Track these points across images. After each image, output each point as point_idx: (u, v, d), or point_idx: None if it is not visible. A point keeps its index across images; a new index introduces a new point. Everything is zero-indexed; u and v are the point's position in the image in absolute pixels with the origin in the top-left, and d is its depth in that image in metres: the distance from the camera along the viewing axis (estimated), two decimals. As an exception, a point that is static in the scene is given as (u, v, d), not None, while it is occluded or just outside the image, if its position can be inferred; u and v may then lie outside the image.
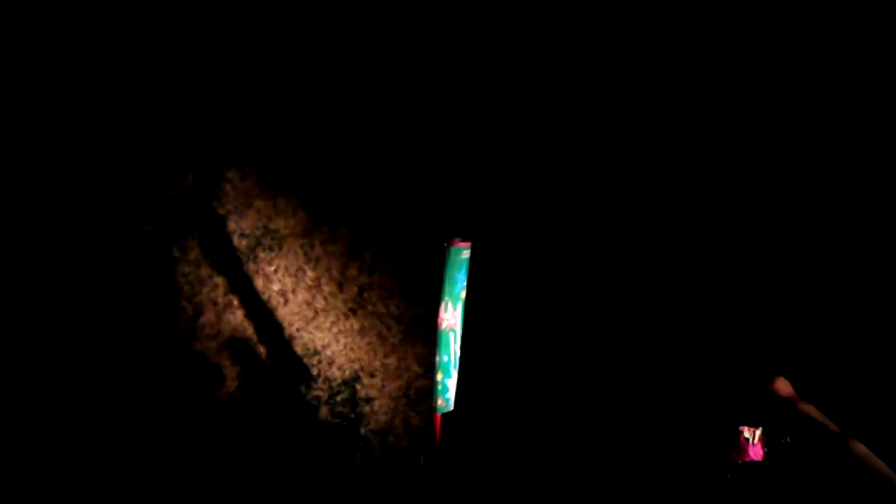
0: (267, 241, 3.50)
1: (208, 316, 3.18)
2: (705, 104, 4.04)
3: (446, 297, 2.43)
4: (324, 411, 2.93)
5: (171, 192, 3.63)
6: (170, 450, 2.79)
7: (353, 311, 3.25)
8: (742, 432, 1.68)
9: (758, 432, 1.68)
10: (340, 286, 3.34)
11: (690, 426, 2.79)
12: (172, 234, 3.47)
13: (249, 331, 3.15)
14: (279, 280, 3.34)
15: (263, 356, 3.08)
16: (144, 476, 2.72)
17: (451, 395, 2.47)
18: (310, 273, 3.38)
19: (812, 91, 4.10)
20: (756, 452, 1.66)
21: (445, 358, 2.44)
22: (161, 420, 2.86)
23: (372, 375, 3.04)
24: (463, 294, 2.46)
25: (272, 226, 3.57)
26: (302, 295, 3.29)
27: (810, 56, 4.22)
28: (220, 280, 3.31)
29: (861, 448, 1.33)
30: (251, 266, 3.39)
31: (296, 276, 3.37)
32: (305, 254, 3.46)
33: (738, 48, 4.16)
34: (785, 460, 1.48)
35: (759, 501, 1.45)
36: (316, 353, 3.10)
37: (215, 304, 3.24)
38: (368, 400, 2.97)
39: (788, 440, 1.58)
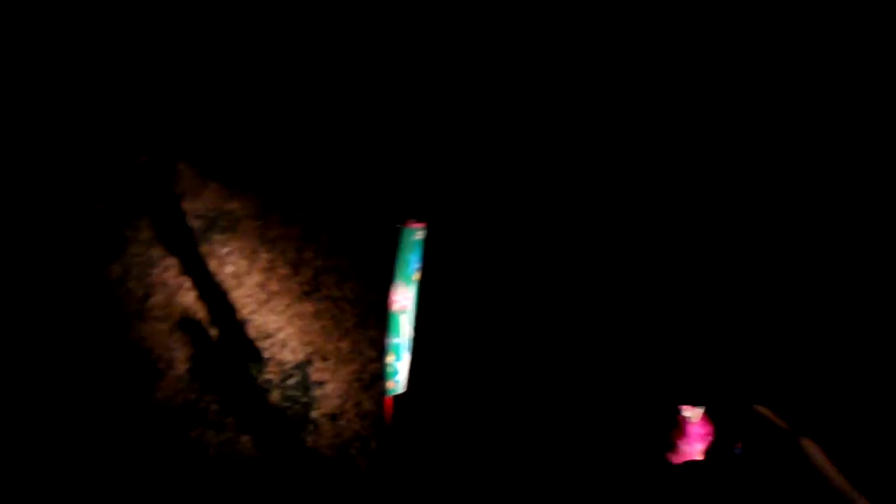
0: (222, 223, 3.43)
1: (159, 297, 3.12)
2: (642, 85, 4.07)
3: (398, 279, 2.41)
4: (275, 395, 2.89)
5: (123, 171, 3.54)
6: (117, 432, 2.72)
7: (308, 294, 3.21)
8: (681, 411, 1.69)
9: (699, 411, 1.69)
10: (295, 269, 3.29)
11: (633, 405, 2.82)
12: (124, 214, 3.39)
13: (201, 313, 3.09)
14: (233, 262, 3.28)
15: (215, 339, 3.03)
16: (89, 456, 2.65)
17: (403, 377, 2.45)
18: (264, 255, 3.32)
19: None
20: (696, 432, 1.67)
21: (396, 340, 2.42)
22: (109, 401, 2.79)
23: (325, 359, 3.01)
24: (416, 276, 2.44)
25: (227, 207, 3.50)
26: (256, 277, 3.24)
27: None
28: (172, 261, 3.24)
29: (811, 446, 1.34)
30: (205, 248, 3.32)
31: (250, 258, 3.31)
32: (260, 236, 3.40)
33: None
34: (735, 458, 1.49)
35: (716, 495, 1.46)
36: (268, 336, 3.05)
37: (167, 285, 3.17)
38: (321, 383, 2.94)
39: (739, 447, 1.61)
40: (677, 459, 1.65)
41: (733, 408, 1.49)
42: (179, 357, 2.95)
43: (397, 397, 2.52)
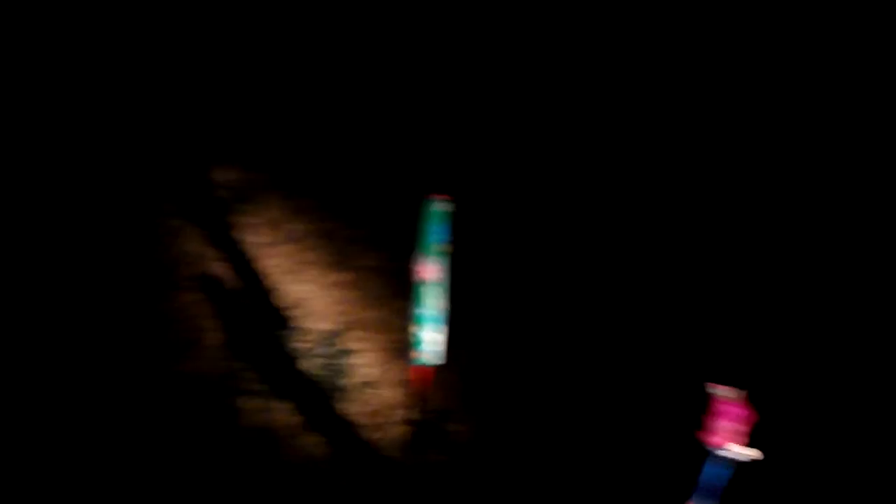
0: (250, 194, 3.45)
1: (193, 268, 3.16)
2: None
3: (424, 250, 2.42)
4: (307, 363, 2.93)
5: (150, 142, 3.57)
6: (152, 401, 2.79)
7: (338, 264, 3.24)
8: (713, 390, 1.67)
9: (733, 391, 1.66)
10: (325, 239, 3.32)
11: (664, 384, 2.80)
12: (152, 185, 3.42)
13: (231, 283, 3.13)
14: (262, 233, 3.31)
15: (245, 308, 3.07)
16: (127, 426, 2.73)
17: (433, 348, 2.48)
18: (293, 226, 3.35)
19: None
20: (729, 411, 1.64)
21: (425, 311, 2.44)
22: (144, 371, 2.86)
23: (356, 328, 3.05)
24: (445, 247, 2.44)
25: (255, 178, 3.52)
26: (286, 247, 3.27)
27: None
28: (204, 232, 3.27)
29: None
30: (235, 218, 3.36)
31: (279, 228, 3.34)
32: (289, 206, 3.42)
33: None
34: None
35: None
36: (301, 305, 3.09)
37: (201, 255, 3.21)
38: (353, 352, 2.98)
39: None
40: (711, 439, 1.64)
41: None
42: (212, 327, 3.00)
43: (427, 367, 2.55)
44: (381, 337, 3.05)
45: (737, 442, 1.91)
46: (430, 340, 2.43)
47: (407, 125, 3.74)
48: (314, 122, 3.71)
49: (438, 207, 2.36)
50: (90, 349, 2.88)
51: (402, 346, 3.01)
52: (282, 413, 2.79)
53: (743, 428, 1.73)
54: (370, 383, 2.91)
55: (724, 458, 2.19)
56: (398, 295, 3.15)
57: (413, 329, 2.38)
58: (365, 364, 2.96)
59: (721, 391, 1.70)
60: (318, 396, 2.85)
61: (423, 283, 2.38)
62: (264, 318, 3.05)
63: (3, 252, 3.10)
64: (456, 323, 2.85)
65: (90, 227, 3.24)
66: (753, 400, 1.88)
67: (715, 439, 1.82)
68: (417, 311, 2.39)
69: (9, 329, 2.88)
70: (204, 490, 2.59)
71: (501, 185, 3.53)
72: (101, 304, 3.02)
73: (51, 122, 3.55)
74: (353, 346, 3.01)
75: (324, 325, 3.04)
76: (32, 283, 3.03)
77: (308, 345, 2.98)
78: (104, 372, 2.84)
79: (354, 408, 2.85)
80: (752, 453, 2.12)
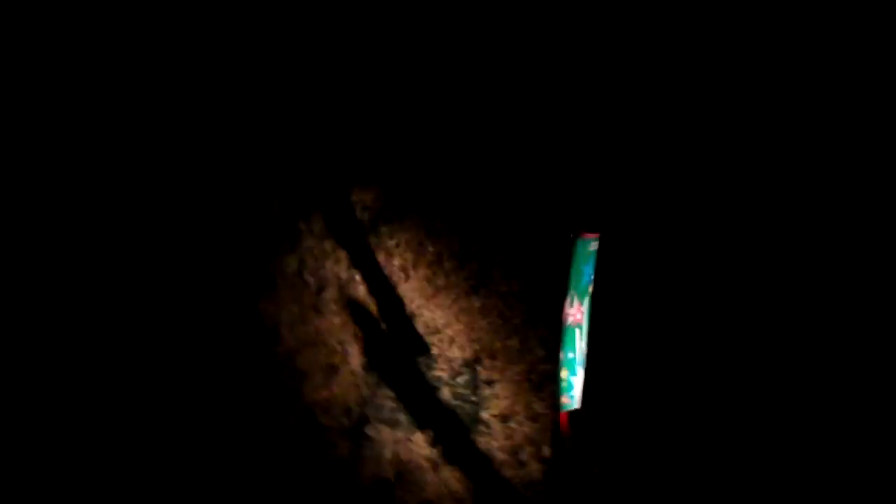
0: (388, 214, 3.46)
1: (332, 291, 3.21)
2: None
3: (572, 291, 2.30)
4: (445, 392, 2.90)
5: (296, 166, 3.65)
6: (291, 428, 2.85)
7: (475, 290, 3.18)
8: None
9: None
10: (462, 262, 3.27)
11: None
12: (298, 208, 3.50)
13: (372, 307, 3.15)
14: (400, 255, 3.31)
15: (385, 333, 3.08)
16: (263, 453, 2.80)
17: (577, 392, 2.37)
18: (431, 248, 3.32)
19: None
20: None
21: (571, 355, 2.33)
22: (283, 396, 2.93)
23: (493, 357, 2.98)
24: (590, 288, 2.32)
25: (394, 199, 3.52)
26: (423, 271, 3.25)
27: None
28: (342, 254, 3.32)
29: None
30: (373, 239, 3.37)
31: (417, 251, 3.32)
32: (427, 228, 3.40)
33: None
34: None
35: None
36: (437, 331, 3.06)
37: (339, 278, 3.25)
38: (490, 383, 2.92)
39: None
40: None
41: None
42: (353, 351, 3.03)
43: (572, 412, 2.45)
44: (519, 368, 2.97)
45: None
46: (577, 385, 2.33)
47: (554, 151, 3.60)
48: (452, 144, 3.66)
49: (588, 246, 2.24)
50: (234, 372, 2.98)
51: (540, 378, 2.92)
52: (419, 444, 2.78)
53: None
54: (508, 416, 2.84)
55: None
56: (536, 324, 3.06)
57: (562, 374, 2.28)
58: (503, 396, 2.89)
59: None
60: (455, 427, 2.82)
61: (572, 325, 2.27)
62: (402, 343, 3.04)
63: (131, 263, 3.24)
64: (594, 364, 2.72)
65: (240, 249, 3.34)
66: None
67: None
68: (566, 355, 2.29)
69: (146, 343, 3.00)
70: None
71: (649, 221, 3.33)
72: (248, 325, 3.11)
73: (198, 136, 3.65)
74: (490, 376, 2.94)
75: (462, 354, 3.00)
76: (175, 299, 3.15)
77: (447, 373, 2.95)
78: (244, 394, 2.92)
79: (493, 442, 2.79)
80: None
